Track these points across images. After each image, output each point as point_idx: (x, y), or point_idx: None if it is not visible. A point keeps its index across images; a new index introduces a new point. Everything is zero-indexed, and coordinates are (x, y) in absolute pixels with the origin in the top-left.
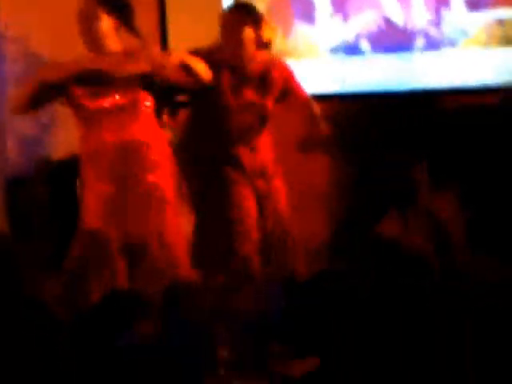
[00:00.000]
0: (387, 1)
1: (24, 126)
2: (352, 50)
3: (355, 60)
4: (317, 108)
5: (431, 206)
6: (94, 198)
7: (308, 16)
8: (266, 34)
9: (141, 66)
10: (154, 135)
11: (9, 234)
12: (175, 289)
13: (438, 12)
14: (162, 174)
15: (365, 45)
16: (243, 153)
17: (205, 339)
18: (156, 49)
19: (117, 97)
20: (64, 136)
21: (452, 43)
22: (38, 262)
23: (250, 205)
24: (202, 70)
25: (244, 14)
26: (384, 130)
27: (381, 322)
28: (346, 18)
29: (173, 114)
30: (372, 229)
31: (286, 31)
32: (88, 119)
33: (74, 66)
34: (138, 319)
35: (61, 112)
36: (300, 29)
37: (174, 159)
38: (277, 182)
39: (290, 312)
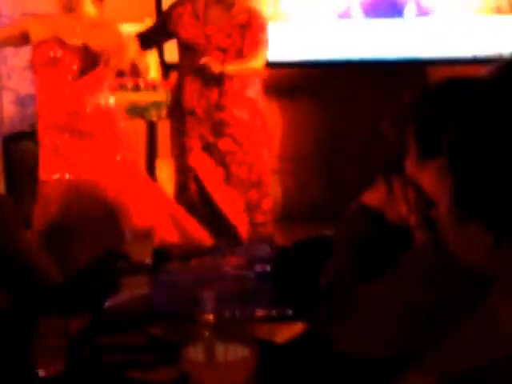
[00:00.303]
0: None
1: (19, 84)
2: (343, 14)
3: (347, 25)
4: (253, 66)
5: (417, 176)
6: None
7: None
8: None
9: (104, 43)
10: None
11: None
12: (164, 250)
13: None
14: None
15: (356, 10)
16: None
17: (191, 304)
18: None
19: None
20: None
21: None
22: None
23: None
24: (146, 71)
25: None
26: (373, 97)
27: (367, 286)
28: None
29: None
30: (357, 196)
31: None
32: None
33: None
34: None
35: None
36: None
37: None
38: None
39: (276, 277)
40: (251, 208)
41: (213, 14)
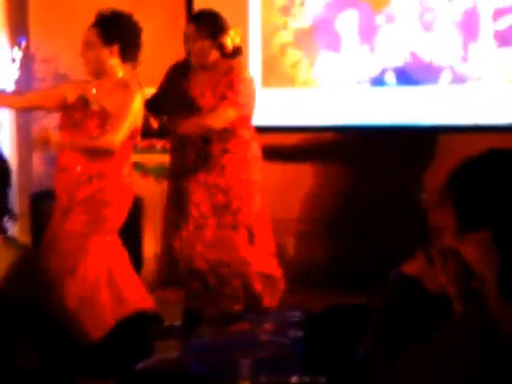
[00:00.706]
0: (415, 35)
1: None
2: (377, 81)
3: (380, 91)
4: (212, 121)
5: (459, 248)
6: None
7: (335, 46)
8: (229, 42)
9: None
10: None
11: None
12: (194, 312)
13: (465, 47)
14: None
15: (390, 77)
16: None
17: (227, 370)
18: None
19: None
20: None
21: (478, 79)
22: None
23: None
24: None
25: (199, 25)
26: (409, 166)
27: (405, 357)
28: (372, 49)
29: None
30: (396, 266)
31: (311, 60)
32: None
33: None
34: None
35: None
36: (326, 58)
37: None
38: None
39: (309, 344)
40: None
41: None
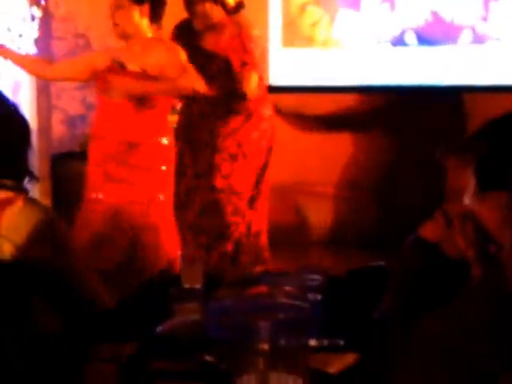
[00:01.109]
0: None
1: (69, 104)
2: (397, 41)
3: (400, 51)
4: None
5: (476, 209)
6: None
7: (355, 3)
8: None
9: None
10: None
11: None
12: (216, 275)
13: (486, 6)
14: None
15: (410, 37)
16: None
17: (246, 332)
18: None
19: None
20: None
21: (498, 38)
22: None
23: None
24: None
25: None
26: (426, 124)
27: (422, 321)
28: (393, 7)
29: None
30: (415, 228)
31: (331, 18)
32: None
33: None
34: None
35: None
36: (345, 16)
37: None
38: None
39: (327, 307)
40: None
41: None
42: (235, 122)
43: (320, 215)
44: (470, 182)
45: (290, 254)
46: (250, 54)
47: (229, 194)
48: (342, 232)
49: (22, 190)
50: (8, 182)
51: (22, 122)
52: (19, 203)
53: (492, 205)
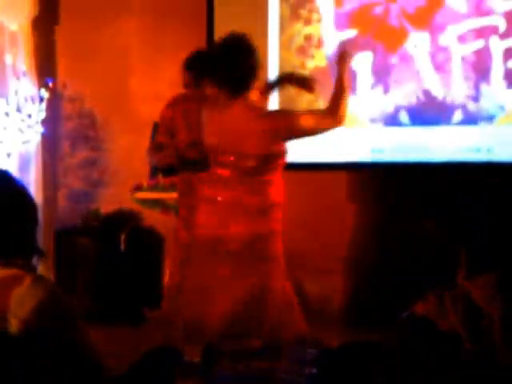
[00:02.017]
0: (428, 75)
1: (75, 181)
2: (391, 120)
3: (394, 131)
4: None
5: (469, 290)
6: None
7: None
8: None
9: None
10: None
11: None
12: (213, 349)
13: (477, 87)
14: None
15: (404, 116)
16: None
17: None
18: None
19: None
20: (112, 192)
21: (490, 118)
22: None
23: None
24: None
25: None
26: (421, 204)
27: None
28: (386, 89)
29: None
30: (408, 307)
31: (327, 99)
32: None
33: None
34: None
35: (110, 170)
36: None
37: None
38: None
39: (322, 378)
40: None
41: None
42: None
43: (310, 288)
44: (463, 263)
45: None
46: None
47: None
48: (334, 305)
49: (30, 268)
50: (18, 261)
51: (31, 202)
52: (27, 281)
53: (480, 285)
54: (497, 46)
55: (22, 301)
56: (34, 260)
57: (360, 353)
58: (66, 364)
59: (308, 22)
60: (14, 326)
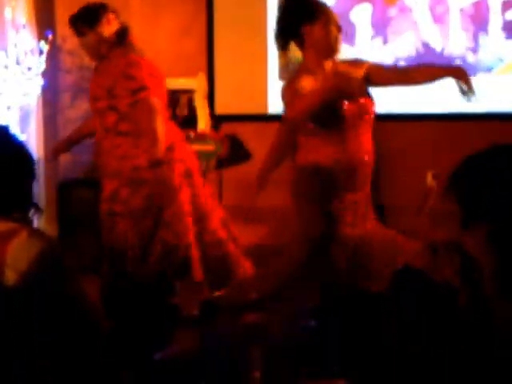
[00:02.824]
0: (426, 26)
1: None
2: None
3: None
4: None
5: (461, 239)
6: None
7: (349, 37)
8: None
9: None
10: None
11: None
12: (211, 303)
13: (475, 38)
14: None
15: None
16: None
17: (239, 361)
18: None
19: None
20: None
21: (488, 69)
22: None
23: None
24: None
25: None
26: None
27: (407, 348)
28: (385, 40)
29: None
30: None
31: None
32: None
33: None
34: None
35: None
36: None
37: None
38: None
39: (319, 334)
40: None
41: None
42: None
43: None
44: (454, 210)
45: None
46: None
47: None
48: None
49: (27, 222)
50: (14, 215)
51: (29, 158)
52: (24, 234)
53: (474, 235)
54: None
55: (19, 253)
56: (31, 213)
57: (360, 305)
58: (62, 317)
59: None
60: (10, 278)
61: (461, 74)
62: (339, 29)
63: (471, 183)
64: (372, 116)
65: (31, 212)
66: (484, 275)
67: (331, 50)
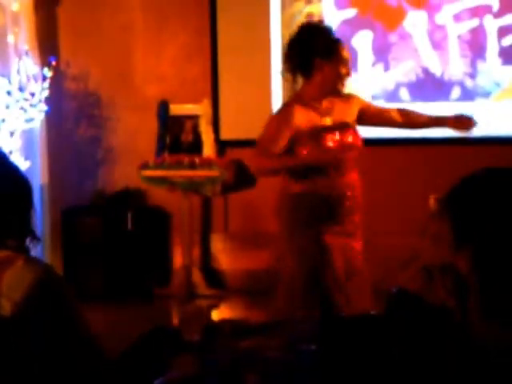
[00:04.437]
0: (426, 52)
1: (80, 160)
2: (392, 97)
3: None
4: None
5: (454, 260)
6: None
7: (351, 64)
8: None
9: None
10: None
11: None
12: (214, 327)
13: (473, 64)
14: None
15: (404, 93)
16: None
17: None
18: None
19: None
20: (117, 171)
21: (486, 95)
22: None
23: None
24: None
25: None
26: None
27: (407, 374)
28: (386, 66)
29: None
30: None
31: None
32: None
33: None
34: (177, 356)
35: (115, 149)
36: None
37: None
38: None
39: (321, 354)
40: None
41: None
42: None
43: None
44: (449, 235)
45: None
46: None
47: None
48: None
49: (23, 250)
50: (10, 242)
51: (24, 182)
52: (19, 263)
53: (465, 256)
54: (491, 24)
55: (14, 283)
56: (28, 242)
57: (360, 326)
58: (61, 347)
59: (309, 0)
60: (5, 308)
61: (460, 124)
62: (348, 72)
63: (463, 204)
64: (357, 152)
65: (28, 240)
66: (470, 297)
67: (335, 90)
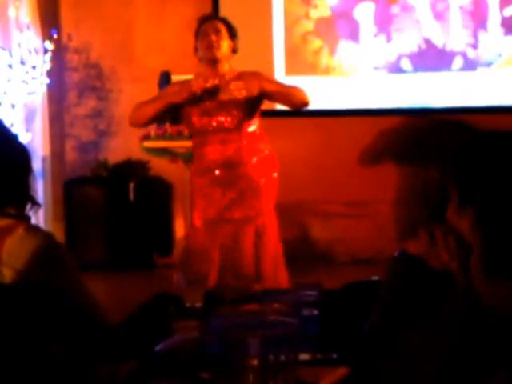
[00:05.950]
0: (428, 23)
1: (82, 131)
2: (394, 68)
3: (396, 78)
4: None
5: (457, 223)
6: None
7: (353, 35)
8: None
9: (237, 95)
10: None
11: (64, 231)
12: (214, 294)
13: (475, 34)
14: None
15: (406, 64)
16: None
17: (237, 349)
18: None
19: (222, 118)
20: (120, 142)
21: (487, 64)
22: (89, 261)
23: None
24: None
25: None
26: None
27: (408, 333)
28: (389, 37)
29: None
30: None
31: (331, 49)
32: (196, 136)
33: (193, 88)
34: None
35: (117, 120)
36: (345, 47)
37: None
38: None
39: (322, 320)
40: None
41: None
42: None
43: (320, 232)
44: (453, 197)
45: (293, 268)
46: None
47: None
48: (341, 248)
49: (23, 217)
50: (10, 210)
51: (22, 150)
52: (20, 230)
53: (469, 219)
54: None
55: (15, 250)
56: (29, 209)
57: (362, 292)
58: (63, 313)
59: None
60: (7, 276)
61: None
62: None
63: (468, 167)
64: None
65: (28, 207)
66: (472, 261)
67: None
